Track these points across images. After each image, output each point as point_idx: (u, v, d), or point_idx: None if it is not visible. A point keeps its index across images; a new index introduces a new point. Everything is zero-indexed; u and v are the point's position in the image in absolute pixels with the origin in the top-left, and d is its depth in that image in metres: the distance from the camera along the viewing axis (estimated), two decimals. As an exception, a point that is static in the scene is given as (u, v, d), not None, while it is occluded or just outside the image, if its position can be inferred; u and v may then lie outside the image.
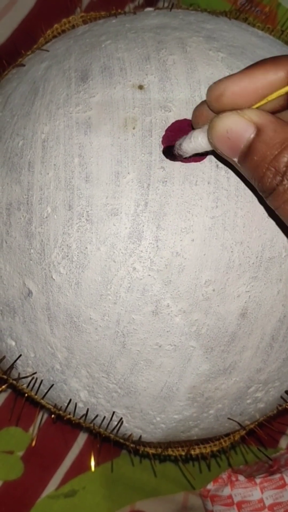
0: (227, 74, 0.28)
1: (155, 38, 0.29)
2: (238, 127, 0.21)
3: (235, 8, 0.35)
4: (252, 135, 0.21)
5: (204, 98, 0.27)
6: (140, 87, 0.27)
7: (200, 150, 0.23)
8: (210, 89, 0.22)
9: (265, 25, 0.35)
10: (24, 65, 0.32)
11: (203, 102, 0.23)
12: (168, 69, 0.28)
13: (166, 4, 0.35)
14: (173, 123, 0.26)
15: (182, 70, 0.27)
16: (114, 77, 0.28)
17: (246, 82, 0.21)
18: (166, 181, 0.26)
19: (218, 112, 0.22)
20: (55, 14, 0.37)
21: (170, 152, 0.25)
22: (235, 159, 0.22)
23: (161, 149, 0.25)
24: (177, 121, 0.26)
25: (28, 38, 0.36)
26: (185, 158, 0.24)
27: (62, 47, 0.31)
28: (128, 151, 0.26)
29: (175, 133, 0.26)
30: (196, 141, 0.23)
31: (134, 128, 0.26)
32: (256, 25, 0.35)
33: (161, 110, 0.27)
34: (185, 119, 0.26)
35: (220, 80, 0.22)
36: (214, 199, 0.26)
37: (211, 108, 0.22)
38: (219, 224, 0.26)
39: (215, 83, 0.22)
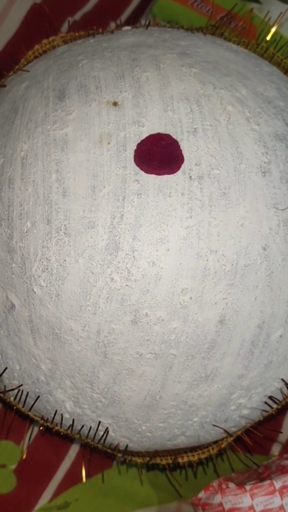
0: (199, 88, 0.29)
1: (130, 56, 0.30)
2: None
3: (211, 23, 0.36)
4: None
5: (176, 112, 0.28)
6: (115, 104, 0.28)
7: None
8: None
9: (240, 39, 0.36)
10: (5, 86, 0.33)
11: None
12: (142, 86, 0.28)
13: (147, 21, 0.36)
14: (147, 137, 0.27)
15: (155, 86, 0.28)
16: (89, 95, 0.28)
17: None
18: (141, 193, 0.26)
19: None
20: (39, 35, 0.38)
21: None
22: None
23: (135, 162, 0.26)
24: (150, 135, 0.27)
25: (12, 60, 0.37)
26: None
27: (42, 67, 0.32)
28: (104, 165, 0.27)
29: (148, 147, 0.27)
30: None
31: (109, 143, 0.27)
32: (232, 40, 0.36)
33: (135, 125, 0.27)
34: (158, 133, 0.27)
35: None
36: (188, 210, 0.26)
37: None
38: (194, 234, 0.26)
39: None
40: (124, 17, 0.46)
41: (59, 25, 0.42)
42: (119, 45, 0.32)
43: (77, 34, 0.36)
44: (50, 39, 0.36)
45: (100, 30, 0.35)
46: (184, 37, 0.33)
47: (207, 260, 0.26)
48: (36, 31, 0.44)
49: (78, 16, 0.46)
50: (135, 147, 0.27)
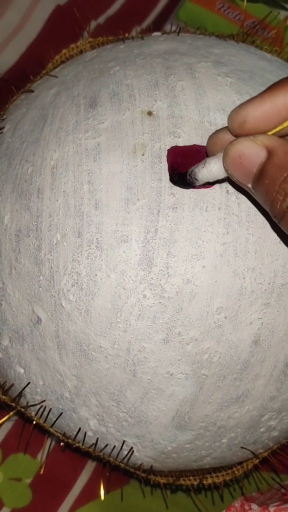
0: (236, 99, 0.28)
1: (164, 64, 0.29)
2: (250, 152, 0.21)
3: (242, 30, 0.35)
4: (264, 159, 0.21)
5: (212, 123, 0.27)
6: (149, 113, 0.27)
7: (214, 179, 0.23)
8: (231, 117, 0.22)
9: (272, 47, 0.35)
10: (33, 91, 0.32)
11: (217, 131, 0.23)
12: (177, 95, 0.28)
13: (173, 28, 0.35)
14: (182, 148, 0.26)
15: (191, 96, 0.27)
16: (123, 104, 0.28)
17: (268, 106, 0.21)
18: (176, 207, 0.25)
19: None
20: (63, 37, 0.37)
21: (180, 179, 0.25)
22: (249, 185, 0.22)
23: (168, 175, 0.25)
24: (186, 147, 0.26)
25: (36, 62, 0.36)
26: (194, 186, 0.24)
27: (71, 73, 0.31)
28: (138, 177, 0.26)
29: (182, 159, 0.26)
30: (210, 169, 0.23)
31: (143, 155, 0.26)
32: (264, 48, 0.35)
33: (171, 136, 0.26)
34: (194, 145, 0.26)
35: (240, 107, 0.22)
36: (225, 225, 0.25)
37: (233, 134, 0.22)
38: (231, 250, 0.25)
39: (236, 110, 0.22)
40: (149, 21, 0.45)
41: (83, 28, 0.42)
42: (151, 52, 0.31)
43: (105, 39, 0.35)
44: (78, 43, 0.35)
45: (128, 35, 0.34)
46: (217, 45, 0.32)
47: (243, 278, 0.25)
48: (60, 33, 0.43)
49: (101, 19, 0.45)
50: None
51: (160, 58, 0.30)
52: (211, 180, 0.23)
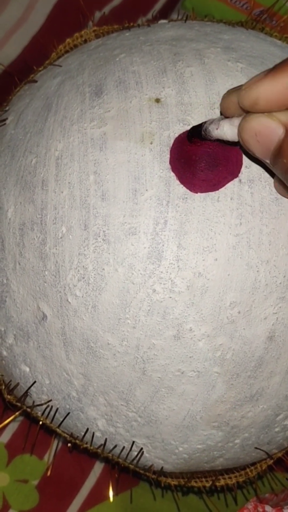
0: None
1: (171, 50, 0.28)
2: (267, 129, 0.20)
3: (251, 18, 0.34)
4: (282, 137, 0.20)
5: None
6: (157, 101, 0.26)
7: (226, 139, 0.22)
8: (242, 97, 0.21)
9: (282, 34, 0.34)
10: (36, 81, 0.31)
11: (231, 93, 0.22)
12: (186, 82, 0.26)
13: (180, 16, 0.34)
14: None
15: (200, 82, 0.26)
16: (129, 91, 0.27)
17: (279, 86, 0.20)
18: (186, 197, 0.24)
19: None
20: (67, 29, 0.36)
21: (195, 132, 0.24)
22: (268, 161, 0.21)
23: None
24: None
25: (40, 54, 0.35)
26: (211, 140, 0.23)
27: (75, 62, 0.30)
28: (146, 167, 0.25)
29: (195, 147, 0.25)
30: (224, 132, 0.22)
31: (151, 143, 0.25)
32: (274, 35, 0.33)
33: (180, 123, 0.25)
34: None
35: (250, 87, 0.21)
36: (238, 216, 0.24)
37: (245, 111, 0.21)
38: (244, 242, 0.24)
39: (246, 90, 0.21)
40: (154, 11, 0.44)
41: (87, 19, 0.41)
42: (158, 39, 0.30)
43: (110, 27, 0.34)
44: (82, 32, 0.34)
45: (133, 24, 0.33)
46: (226, 31, 0.31)
47: (257, 271, 0.24)
48: (63, 25, 0.43)
49: (106, 9, 0.44)
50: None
51: (168, 45, 0.29)
52: (222, 139, 0.23)
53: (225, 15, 0.42)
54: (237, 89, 0.22)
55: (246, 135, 0.21)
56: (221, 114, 0.23)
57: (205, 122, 0.23)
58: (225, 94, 0.23)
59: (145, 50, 0.29)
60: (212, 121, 0.23)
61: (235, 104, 0.22)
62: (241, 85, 0.22)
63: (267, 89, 0.20)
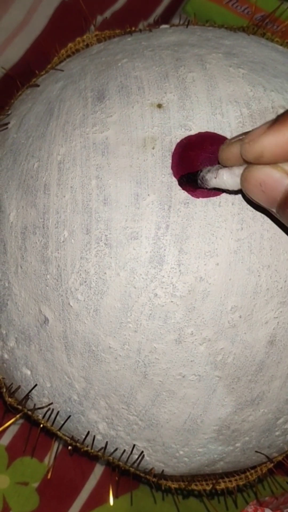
0: (249, 90, 0.27)
1: (173, 56, 0.28)
2: (272, 179, 0.20)
3: (252, 23, 0.34)
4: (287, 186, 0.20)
5: (225, 116, 0.26)
6: (159, 106, 0.26)
7: (225, 188, 0.22)
8: (246, 151, 0.20)
9: (284, 40, 0.34)
10: (38, 85, 0.31)
11: (228, 144, 0.22)
12: (188, 87, 0.27)
13: (181, 21, 0.34)
14: (192, 138, 0.25)
15: (202, 88, 0.27)
16: (131, 96, 0.27)
17: (284, 139, 0.20)
18: (188, 202, 0.24)
19: None
20: (68, 33, 0.36)
21: (190, 179, 0.24)
22: (273, 210, 0.21)
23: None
24: (197, 135, 0.25)
25: (41, 57, 0.35)
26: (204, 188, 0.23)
27: (77, 66, 0.31)
28: (148, 172, 0.25)
29: (193, 152, 0.25)
30: (223, 181, 0.22)
31: (153, 148, 0.25)
32: (275, 40, 0.34)
33: (181, 128, 0.26)
34: (206, 133, 0.25)
35: (254, 141, 0.20)
36: (239, 221, 0.24)
37: (246, 161, 0.21)
38: (245, 247, 0.24)
39: (249, 144, 0.20)
40: (155, 15, 0.45)
41: (89, 23, 0.41)
42: (159, 44, 0.30)
43: (112, 32, 0.34)
44: (84, 37, 0.34)
45: (135, 28, 0.33)
46: (228, 36, 0.31)
47: (259, 275, 0.24)
48: (65, 29, 0.43)
49: (107, 14, 0.45)
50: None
51: (170, 50, 0.29)
52: (223, 189, 0.23)
53: (226, 19, 0.42)
54: (237, 140, 0.21)
55: (251, 185, 0.20)
56: (218, 163, 0.23)
57: (201, 171, 0.23)
58: (224, 145, 0.22)
59: (147, 55, 0.29)
60: (208, 170, 0.23)
61: (236, 155, 0.21)
62: (241, 135, 0.21)
63: (271, 142, 0.20)
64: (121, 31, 0.33)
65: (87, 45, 0.34)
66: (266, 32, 0.34)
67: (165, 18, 0.44)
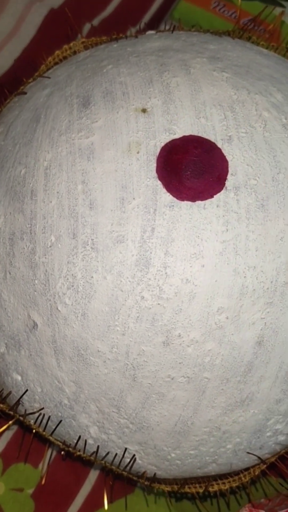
0: (233, 93, 0.27)
1: (158, 61, 0.29)
2: None
3: (238, 27, 0.34)
4: None
5: (209, 119, 0.26)
6: (144, 111, 0.27)
7: None
8: None
9: (269, 43, 0.34)
10: (25, 93, 0.31)
11: None
12: (172, 92, 0.27)
13: (168, 27, 0.35)
14: (176, 141, 0.25)
15: (186, 92, 0.27)
16: (116, 102, 0.27)
17: None
18: (173, 205, 0.25)
19: None
20: (57, 42, 0.37)
21: None
22: None
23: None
24: (184, 137, 0.25)
25: (30, 66, 0.35)
26: None
27: (64, 73, 0.31)
28: (133, 176, 0.25)
29: (177, 156, 0.25)
30: None
31: (138, 152, 0.26)
32: (260, 44, 0.34)
33: (166, 133, 0.26)
34: (190, 136, 0.25)
35: None
36: (224, 223, 0.25)
37: None
38: (230, 249, 0.25)
39: None
40: (143, 22, 0.45)
41: (77, 31, 0.41)
42: (144, 50, 0.30)
43: (98, 39, 0.34)
44: (71, 44, 0.34)
45: (122, 35, 0.34)
46: (212, 41, 0.32)
47: (244, 277, 0.25)
48: (54, 37, 0.43)
49: (96, 21, 0.45)
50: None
51: (154, 55, 0.29)
52: None
53: (214, 24, 0.43)
54: None
55: None
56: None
57: None
58: None
59: (132, 61, 0.29)
60: None
61: None
62: None
63: None
64: (108, 38, 0.34)
65: (75, 52, 0.34)
66: (251, 36, 0.34)
67: (153, 24, 0.45)
